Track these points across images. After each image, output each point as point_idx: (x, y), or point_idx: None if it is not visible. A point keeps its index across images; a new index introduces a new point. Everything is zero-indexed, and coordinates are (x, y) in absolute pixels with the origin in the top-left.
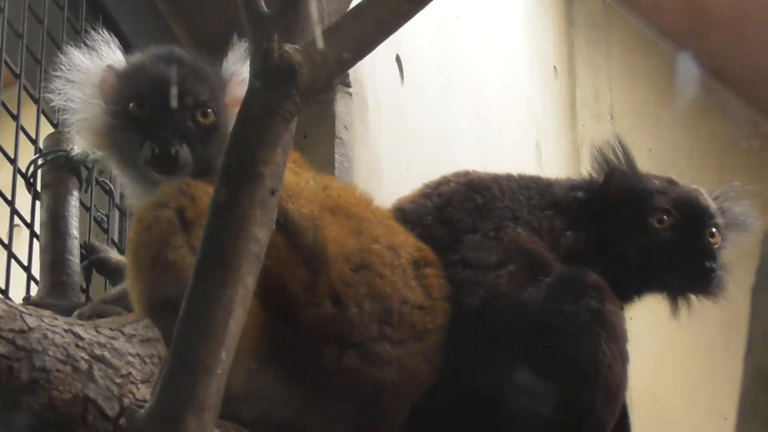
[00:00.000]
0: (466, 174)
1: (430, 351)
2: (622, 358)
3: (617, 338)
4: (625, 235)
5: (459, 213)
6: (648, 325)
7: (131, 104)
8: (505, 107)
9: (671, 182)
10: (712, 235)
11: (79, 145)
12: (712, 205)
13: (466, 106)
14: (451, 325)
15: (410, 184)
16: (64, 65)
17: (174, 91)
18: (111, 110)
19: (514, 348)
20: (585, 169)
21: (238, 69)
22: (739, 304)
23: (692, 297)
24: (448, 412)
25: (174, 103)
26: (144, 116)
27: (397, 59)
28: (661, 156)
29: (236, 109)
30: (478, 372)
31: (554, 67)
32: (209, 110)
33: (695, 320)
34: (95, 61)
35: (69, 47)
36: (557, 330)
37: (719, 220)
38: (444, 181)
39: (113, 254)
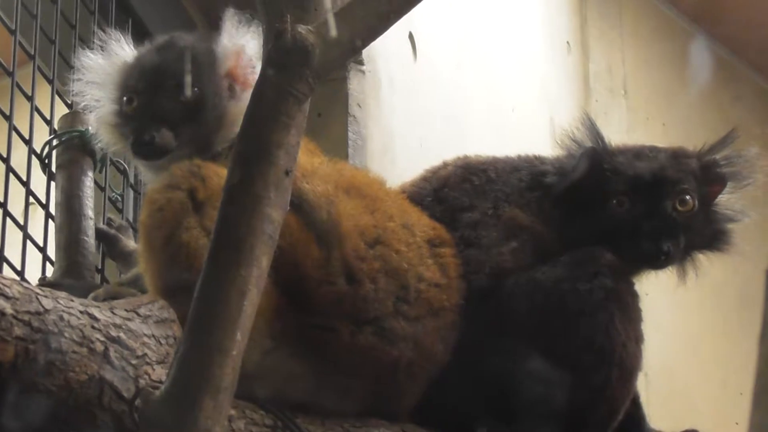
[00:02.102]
0: (465, 158)
1: (445, 329)
2: (637, 338)
3: (632, 317)
4: (591, 215)
5: (455, 192)
6: (664, 301)
7: (124, 99)
8: (518, 83)
9: (638, 156)
10: (683, 202)
11: (100, 141)
12: (684, 170)
13: (480, 82)
14: (463, 305)
15: (424, 162)
16: (80, 68)
17: (154, 77)
18: (114, 108)
19: (528, 326)
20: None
21: (231, 40)
22: (755, 279)
23: (701, 257)
24: (462, 390)
25: (154, 89)
26: (132, 110)
27: (410, 36)
28: (675, 130)
29: (234, 82)
30: (492, 350)
31: (567, 42)
32: (194, 89)
33: (711, 296)
34: (108, 61)
35: (84, 48)
36: (571, 308)
37: (689, 185)
38: (443, 166)
39: (125, 240)
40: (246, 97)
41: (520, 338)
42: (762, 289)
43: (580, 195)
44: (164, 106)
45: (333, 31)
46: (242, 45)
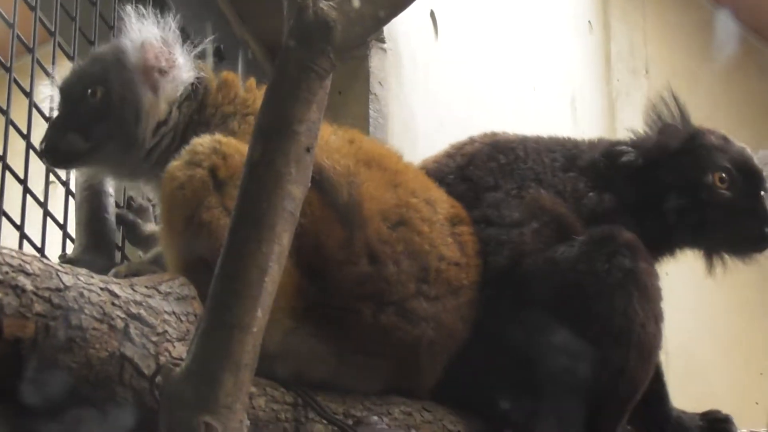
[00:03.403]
0: (493, 135)
1: (464, 307)
2: (656, 317)
3: (650, 297)
4: (681, 192)
5: (480, 171)
6: (684, 281)
7: None
8: (540, 62)
9: (726, 139)
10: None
11: None
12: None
13: (501, 61)
14: (481, 283)
15: (445, 140)
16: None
17: (63, 89)
18: None
19: (546, 307)
20: (624, 126)
21: (135, 34)
22: None
23: (727, 257)
24: (481, 368)
25: (63, 100)
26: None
27: (432, 15)
28: (697, 111)
29: (154, 72)
30: (511, 330)
31: (589, 21)
32: (99, 89)
33: (731, 276)
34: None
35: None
36: (590, 289)
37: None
38: (469, 142)
39: (143, 225)
40: (170, 82)
41: (539, 318)
42: None
43: (668, 170)
44: (70, 113)
45: (356, 6)
46: (147, 35)
